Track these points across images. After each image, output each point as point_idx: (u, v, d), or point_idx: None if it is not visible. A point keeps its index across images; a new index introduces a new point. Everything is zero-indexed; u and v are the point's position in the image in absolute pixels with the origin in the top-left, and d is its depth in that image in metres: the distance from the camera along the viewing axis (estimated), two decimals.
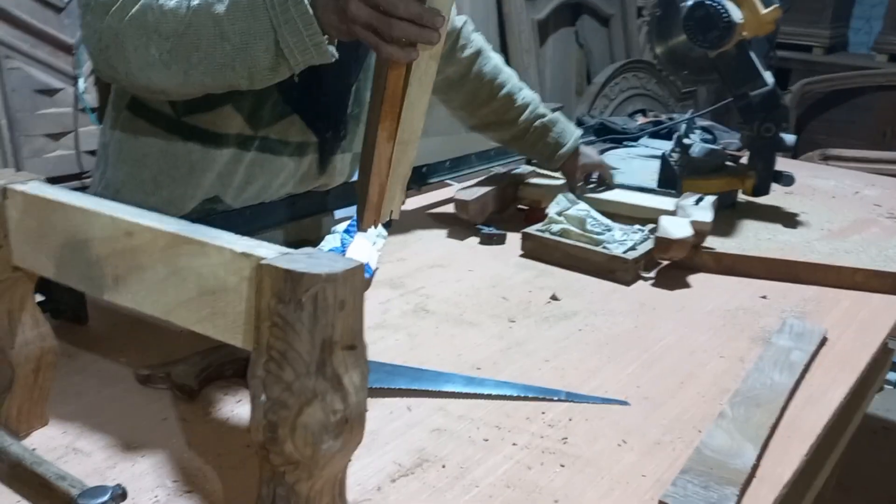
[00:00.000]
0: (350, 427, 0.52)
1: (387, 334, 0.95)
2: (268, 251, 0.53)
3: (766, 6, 1.35)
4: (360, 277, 0.52)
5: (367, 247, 1.07)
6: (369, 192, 0.90)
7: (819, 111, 4.05)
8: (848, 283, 1.18)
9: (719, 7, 1.30)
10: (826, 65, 4.02)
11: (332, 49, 0.84)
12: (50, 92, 2.20)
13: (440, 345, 0.93)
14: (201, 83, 0.87)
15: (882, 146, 3.75)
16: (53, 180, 2.37)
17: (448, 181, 1.66)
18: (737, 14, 1.33)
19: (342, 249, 1.05)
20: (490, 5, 3.16)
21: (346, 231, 1.08)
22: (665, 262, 1.21)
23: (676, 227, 1.15)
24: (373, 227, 0.94)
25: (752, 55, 1.41)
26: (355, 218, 1.10)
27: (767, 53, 1.46)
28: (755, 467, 0.72)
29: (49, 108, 2.18)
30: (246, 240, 0.55)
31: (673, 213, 1.23)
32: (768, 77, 1.44)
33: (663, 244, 1.14)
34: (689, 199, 1.27)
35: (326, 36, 0.82)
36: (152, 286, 0.58)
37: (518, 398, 0.81)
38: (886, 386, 1.78)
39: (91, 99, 2.22)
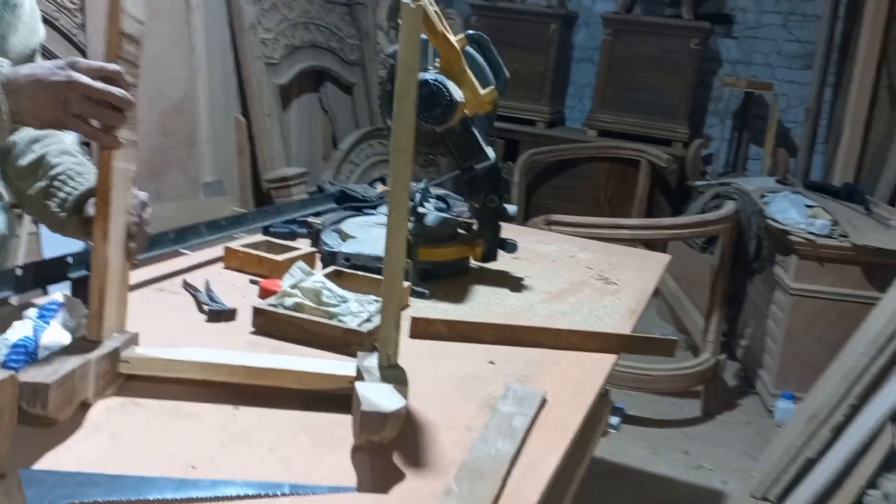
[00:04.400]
0: None
1: (85, 436, 0.83)
2: None
3: (484, 87, 1.45)
4: (9, 389, 0.44)
5: (64, 334, 0.93)
6: (90, 298, 0.89)
7: (545, 178, 4.50)
8: (567, 345, 1.26)
9: (442, 86, 1.37)
10: (548, 137, 4.51)
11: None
12: None
13: (150, 444, 0.83)
14: None
15: (597, 211, 4.24)
16: None
17: (183, 251, 1.55)
18: (458, 93, 1.41)
19: (33, 340, 0.91)
20: (229, 69, 3.09)
21: (40, 315, 0.94)
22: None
23: (384, 397, 0.85)
24: (97, 337, 0.90)
25: (475, 132, 1.50)
26: (52, 301, 0.97)
27: (489, 131, 1.56)
28: None
29: None
30: None
31: (360, 378, 0.93)
32: (490, 152, 1.53)
33: (374, 423, 0.82)
34: (370, 359, 0.95)
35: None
36: None
37: (237, 497, 0.74)
38: (609, 430, 1.92)
39: None
